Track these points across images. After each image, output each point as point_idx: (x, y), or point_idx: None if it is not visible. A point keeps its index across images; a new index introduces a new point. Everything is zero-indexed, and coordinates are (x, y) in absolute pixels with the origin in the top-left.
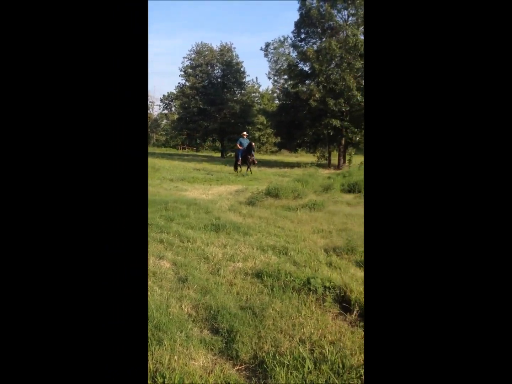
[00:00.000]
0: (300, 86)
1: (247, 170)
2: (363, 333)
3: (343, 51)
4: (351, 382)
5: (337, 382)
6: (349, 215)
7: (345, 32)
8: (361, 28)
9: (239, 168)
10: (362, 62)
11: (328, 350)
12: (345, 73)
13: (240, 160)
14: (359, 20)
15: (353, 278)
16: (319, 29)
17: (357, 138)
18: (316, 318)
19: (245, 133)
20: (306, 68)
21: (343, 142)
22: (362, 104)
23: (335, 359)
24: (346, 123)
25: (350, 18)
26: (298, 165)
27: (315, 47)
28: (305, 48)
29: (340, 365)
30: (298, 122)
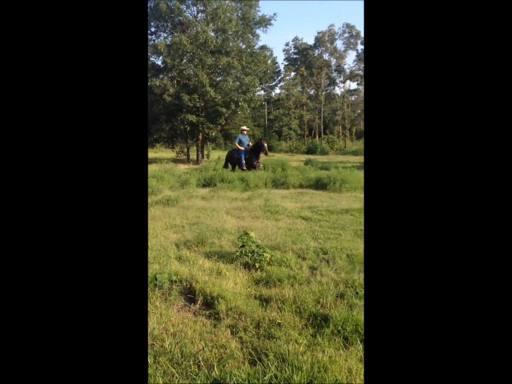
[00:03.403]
0: (153, 80)
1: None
2: (204, 320)
3: (194, 47)
4: (189, 369)
5: (175, 371)
6: (202, 208)
7: (195, 28)
8: (211, 25)
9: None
10: (213, 59)
11: (169, 342)
12: (198, 69)
13: (243, 164)
14: (208, 17)
15: (200, 269)
16: (169, 23)
17: (213, 134)
18: (160, 313)
19: (245, 127)
20: (159, 62)
21: (200, 137)
22: (216, 100)
23: (174, 350)
24: (202, 118)
25: (199, 15)
26: (155, 161)
27: (167, 41)
28: (156, 41)
29: (179, 355)
30: (154, 117)
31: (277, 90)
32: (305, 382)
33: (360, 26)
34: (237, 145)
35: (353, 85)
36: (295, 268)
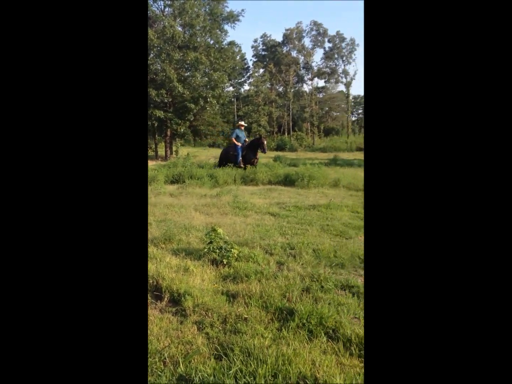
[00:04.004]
0: None
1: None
2: (171, 317)
3: (161, 41)
4: (154, 366)
5: None
6: (170, 205)
7: (162, 23)
8: (178, 20)
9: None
10: (181, 54)
11: None
12: (165, 64)
13: (240, 161)
14: (175, 12)
15: (167, 266)
16: None
17: (182, 130)
18: None
19: (242, 122)
20: None
21: (168, 133)
22: (184, 95)
23: None
24: (170, 114)
25: (166, 9)
26: None
27: None
28: None
29: None
30: None
31: (246, 87)
32: (270, 375)
33: (327, 24)
34: (234, 140)
35: (320, 83)
36: (262, 264)
